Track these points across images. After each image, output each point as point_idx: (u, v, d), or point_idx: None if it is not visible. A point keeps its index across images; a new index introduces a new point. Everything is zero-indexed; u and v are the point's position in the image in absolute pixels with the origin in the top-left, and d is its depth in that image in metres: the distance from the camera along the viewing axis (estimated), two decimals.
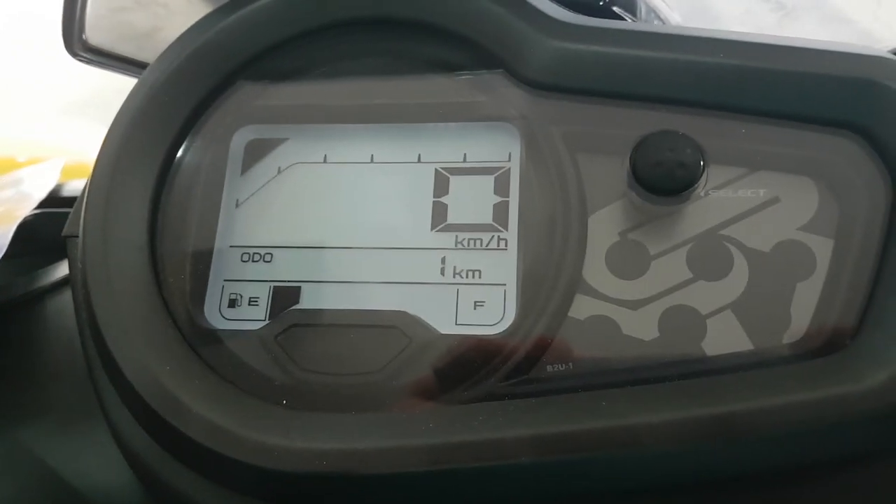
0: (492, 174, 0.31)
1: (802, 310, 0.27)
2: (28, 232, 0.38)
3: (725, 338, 0.27)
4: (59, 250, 0.41)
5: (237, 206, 0.32)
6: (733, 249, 0.28)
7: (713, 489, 0.25)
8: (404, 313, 0.29)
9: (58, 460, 0.32)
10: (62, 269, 0.39)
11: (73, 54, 0.40)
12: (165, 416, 0.25)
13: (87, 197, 0.29)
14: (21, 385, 0.34)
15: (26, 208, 0.40)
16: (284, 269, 0.31)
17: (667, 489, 0.25)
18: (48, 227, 0.42)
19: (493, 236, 0.30)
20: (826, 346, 0.26)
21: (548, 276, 0.28)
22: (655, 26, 0.44)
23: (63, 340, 0.35)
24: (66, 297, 0.37)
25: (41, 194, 0.42)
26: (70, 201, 0.47)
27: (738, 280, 0.27)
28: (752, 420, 0.23)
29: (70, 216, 0.33)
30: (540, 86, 0.31)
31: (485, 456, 0.24)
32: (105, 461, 0.32)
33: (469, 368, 0.27)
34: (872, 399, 0.23)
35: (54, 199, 0.45)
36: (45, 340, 0.36)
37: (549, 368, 0.27)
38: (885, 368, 0.23)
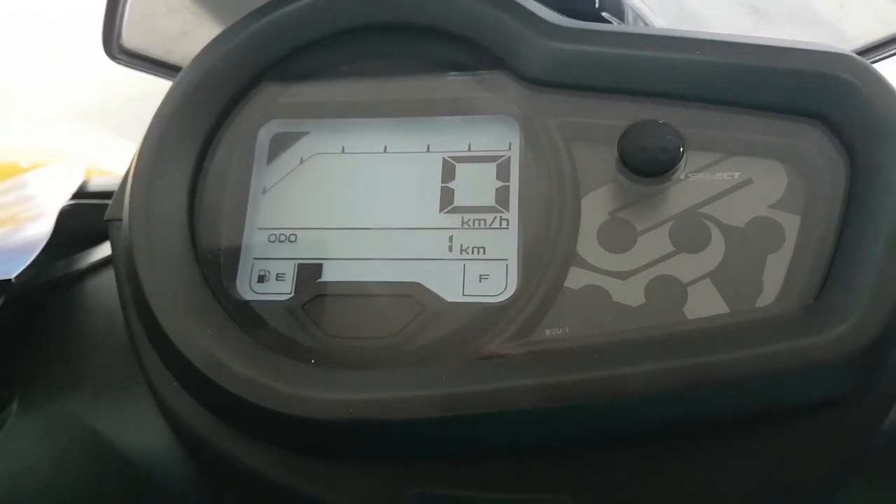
0: (494, 161, 0.34)
1: (773, 277, 0.30)
2: (58, 223, 0.41)
3: (704, 303, 0.30)
4: (87, 240, 0.44)
5: (264, 192, 0.35)
6: (711, 226, 0.31)
7: (693, 433, 0.28)
8: (417, 284, 0.32)
9: (101, 424, 0.35)
10: (97, 254, 0.42)
11: (111, 56, 0.43)
12: (207, 373, 0.28)
13: (132, 183, 0.33)
14: (63, 358, 0.37)
15: (30, 211, 0.42)
16: (307, 248, 0.34)
17: (652, 433, 0.28)
18: (76, 219, 0.45)
19: (495, 217, 0.33)
20: (794, 307, 0.29)
21: (545, 252, 0.31)
22: (641, 28, 0.48)
23: (102, 317, 0.38)
24: (104, 278, 0.40)
25: (55, 197, 0.45)
26: (95, 195, 0.50)
27: (715, 252, 0.31)
28: (727, 369, 0.26)
29: (111, 203, 0.36)
30: (537, 82, 0.34)
31: (491, 403, 0.27)
32: (147, 424, 0.35)
33: (475, 333, 0.30)
34: (832, 349, 0.26)
35: (80, 193, 0.47)
36: (84, 317, 0.39)
37: (547, 332, 0.30)
38: (843, 322, 0.26)
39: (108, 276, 0.38)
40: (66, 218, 0.41)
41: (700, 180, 0.32)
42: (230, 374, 0.28)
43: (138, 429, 0.35)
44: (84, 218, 0.43)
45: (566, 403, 0.27)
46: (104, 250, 0.41)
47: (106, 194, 0.43)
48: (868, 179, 0.29)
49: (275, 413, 0.28)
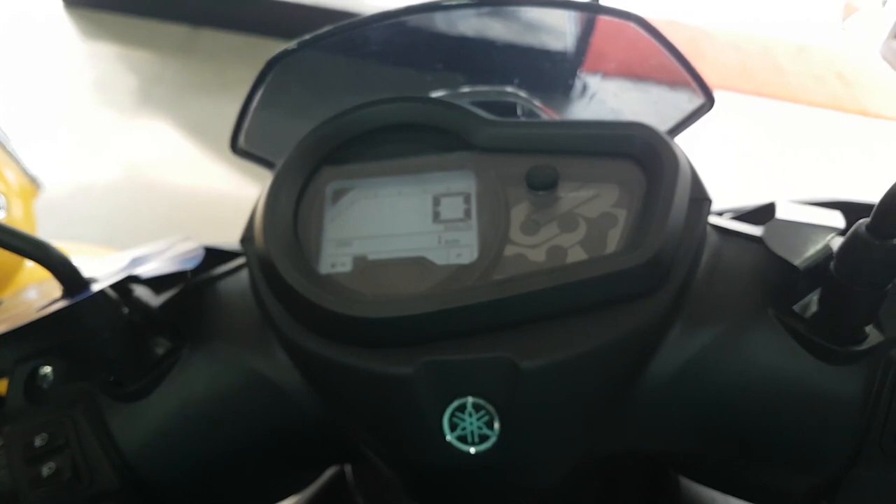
0: (461, 196, 0.61)
1: (612, 240, 0.55)
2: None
3: (576, 256, 0.55)
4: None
5: (331, 220, 0.61)
6: (579, 218, 0.57)
7: (573, 312, 0.52)
8: (422, 257, 0.57)
9: (242, 355, 0.58)
10: (226, 268, 0.66)
11: (234, 152, 0.71)
12: (311, 298, 0.52)
13: (262, 215, 0.58)
14: (215, 318, 0.60)
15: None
16: (358, 248, 0.59)
17: (547, 315, 0.52)
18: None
19: (463, 223, 0.59)
20: (621, 252, 0.54)
21: (491, 239, 0.57)
22: (540, 120, 0.76)
23: (237, 296, 0.61)
24: (234, 278, 0.64)
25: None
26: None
27: (581, 231, 0.56)
28: (583, 275, 0.51)
29: (244, 230, 0.61)
30: (483, 150, 0.61)
31: (467, 298, 0.51)
32: (272, 353, 0.56)
33: (455, 279, 0.55)
34: (632, 261, 0.50)
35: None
36: (226, 296, 0.61)
37: (495, 277, 0.55)
38: (638, 248, 0.51)
39: (236, 277, 0.63)
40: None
41: (571, 196, 0.58)
42: (324, 299, 0.53)
43: (266, 357, 0.58)
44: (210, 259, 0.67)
45: (504, 297, 0.51)
46: (230, 265, 0.66)
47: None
48: (652, 184, 0.56)
49: (350, 317, 0.52)
